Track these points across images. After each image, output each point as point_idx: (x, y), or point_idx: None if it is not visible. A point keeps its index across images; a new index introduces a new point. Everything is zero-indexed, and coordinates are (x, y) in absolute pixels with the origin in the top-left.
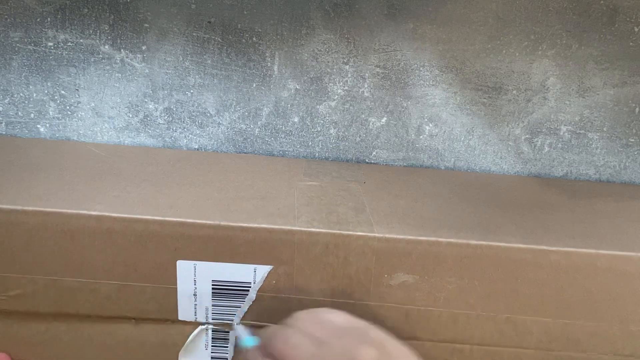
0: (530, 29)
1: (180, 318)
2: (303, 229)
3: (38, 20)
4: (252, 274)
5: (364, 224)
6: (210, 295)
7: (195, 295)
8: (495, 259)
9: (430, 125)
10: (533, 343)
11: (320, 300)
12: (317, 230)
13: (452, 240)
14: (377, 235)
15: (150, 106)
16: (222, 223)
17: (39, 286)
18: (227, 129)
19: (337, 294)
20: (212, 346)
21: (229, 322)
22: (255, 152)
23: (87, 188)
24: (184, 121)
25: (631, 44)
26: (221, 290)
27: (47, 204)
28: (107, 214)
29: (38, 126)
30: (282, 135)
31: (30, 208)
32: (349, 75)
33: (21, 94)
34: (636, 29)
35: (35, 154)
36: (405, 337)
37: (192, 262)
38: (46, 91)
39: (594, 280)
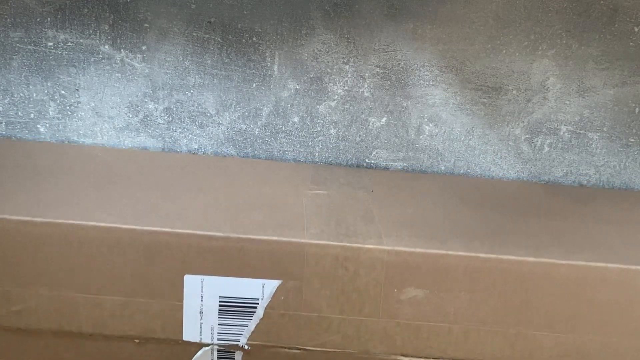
0: (530, 29)
1: (184, 338)
2: (313, 241)
3: (38, 20)
4: (260, 290)
5: (374, 236)
6: (217, 313)
7: (201, 312)
8: (506, 272)
9: (430, 125)
10: (544, 357)
11: (329, 317)
12: (327, 242)
13: (462, 253)
14: (386, 248)
15: (150, 106)
16: (232, 235)
17: (42, 301)
18: (227, 129)
19: (347, 310)
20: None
21: (235, 342)
22: (255, 152)
23: (95, 196)
24: (184, 121)
25: (631, 44)
26: (228, 308)
27: (55, 215)
28: (115, 225)
29: (38, 126)
30: (282, 135)
31: (38, 219)
32: (349, 75)
33: (21, 94)
34: (636, 29)
35: (42, 158)
36: (415, 355)
37: (199, 277)
38: (46, 91)
39: (604, 294)
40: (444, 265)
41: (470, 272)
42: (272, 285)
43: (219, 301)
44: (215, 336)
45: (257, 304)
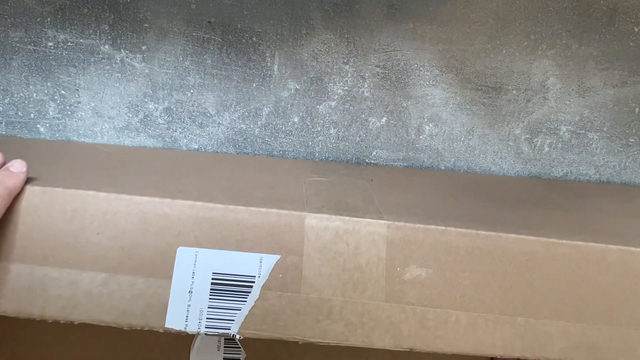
0: (530, 29)
1: (167, 325)
2: (313, 213)
3: (38, 20)
4: (257, 265)
5: (374, 212)
6: (208, 293)
7: (190, 292)
8: (507, 251)
9: (430, 125)
10: (555, 350)
11: (330, 300)
12: (327, 215)
13: (462, 229)
14: (387, 222)
15: (150, 106)
16: (231, 206)
17: (8, 276)
18: (227, 129)
19: (349, 291)
20: (224, 347)
21: (225, 330)
22: (255, 152)
23: (96, 174)
24: (184, 121)
25: (631, 44)
26: (221, 286)
27: (54, 184)
28: (113, 194)
29: (38, 126)
30: (282, 135)
31: (37, 187)
32: (349, 75)
33: (21, 94)
34: (636, 29)
35: (45, 151)
36: (425, 350)
37: (194, 249)
38: (46, 91)
39: (606, 276)
40: (444, 242)
41: (472, 249)
42: (270, 260)
43: (212, 278)
44: (203, 322)
45: (253, 282)
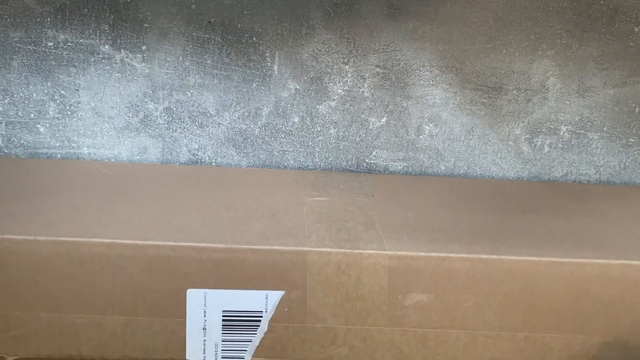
0: (530, 29)
1: (188, 357)
2: (314, 249)
3: (38, 20)
4: (263, 301)
5: (375, 241)
6: (221, 329)
7: (204, 329)
8: (508, 273)
9: (430, 125)
10: None
11: (334, 328)
12: (329, 249)
13: (463, 255)
14: (388, 252)
15: (150, 106)
16: (233, 245)
17: (42, 325)
18: (227, 129)
19: (352, 320)
20: None
21: (239, 359)
22: (255, 152)
23: (97, 213)
24: (184, 121)
25: (631, 44)
26: (232, 322)
27: (58, 232)
28: (118, 240)
29: (38, 126)
30: (282, 135)
31: (41, 237)
32: (349, 75)
33: (21, 94)
34: (636, 29)
35: (44, 176)
36: None
37: (202, 291)
38: (46, 91)
39: (608, 290)
40: (446, 268)
41: (473, 274)
42: (275, 296)
43: (223, 316)
44: (220, 354)
45: (261, 316)
